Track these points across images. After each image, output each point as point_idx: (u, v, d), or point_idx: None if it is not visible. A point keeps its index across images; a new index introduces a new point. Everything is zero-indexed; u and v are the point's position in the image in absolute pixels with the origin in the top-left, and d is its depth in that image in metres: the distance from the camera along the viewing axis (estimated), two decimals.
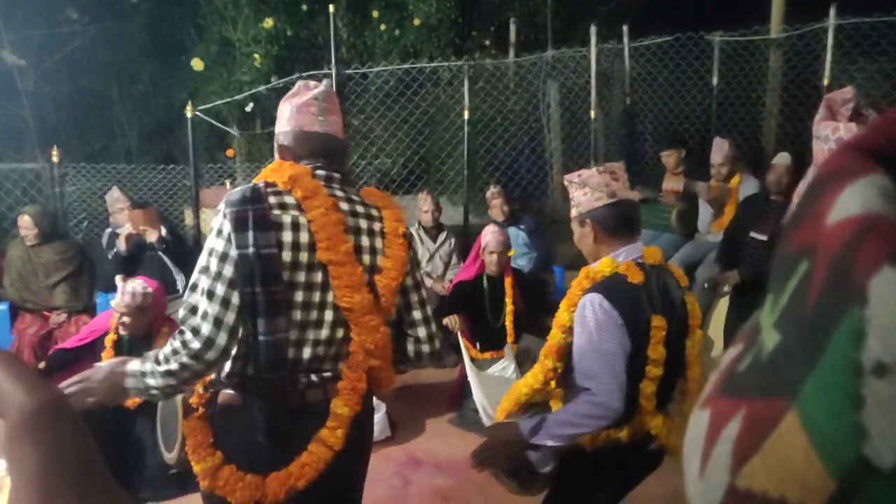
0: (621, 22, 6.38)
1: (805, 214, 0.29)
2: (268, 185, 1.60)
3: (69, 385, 1.58)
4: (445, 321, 3.90)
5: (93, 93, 6.75)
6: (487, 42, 7.62)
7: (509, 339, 3.95)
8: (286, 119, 1.70)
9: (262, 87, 5.99)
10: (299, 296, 1.57)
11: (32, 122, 5.93)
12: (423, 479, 3.37)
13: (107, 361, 1.63)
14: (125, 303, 3.07)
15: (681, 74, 5.90)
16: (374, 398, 3.72)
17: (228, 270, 1.51)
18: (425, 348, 1.79)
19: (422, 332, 1.78)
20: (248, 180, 6.17)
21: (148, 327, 3.13)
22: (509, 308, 3.99)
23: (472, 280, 4.07)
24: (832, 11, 4.68)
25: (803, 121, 5.11)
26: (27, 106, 5.97)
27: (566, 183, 2.14)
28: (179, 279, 4.17)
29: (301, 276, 1.57)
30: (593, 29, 5.93)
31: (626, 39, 6.02)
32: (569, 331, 1.90)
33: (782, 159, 3.85)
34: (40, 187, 4.93)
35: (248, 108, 6.24)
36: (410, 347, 1.79)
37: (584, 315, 1.83)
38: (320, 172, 1.66)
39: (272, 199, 1.56)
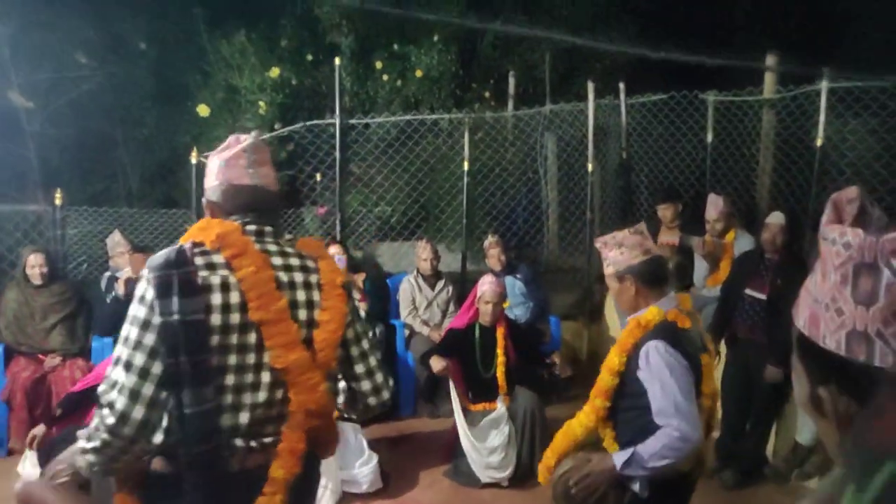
0: (617, 77, 6.53)
1: (890, 406, 0.30)
2: (195, 245, 1.55)
3: (61, 470, 1.53)
4: (432, 363, 3.87)
5: (97, 135, 6.83)
6: (487, 94, 7.79)
7: (501, 390, 3.93)
8: (214, 174, 1.65)
9: (266, 135, 6.10)
10: (232, 359, 1.51)
11: (36, 164, 6.00)
12: None
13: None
14: None
15: (675, 131, 6.02)
16: (367, 448, 3.70)
17: (149, 339, 1.46)
18: (371, 401, 1.76)
19: (366, 385, 1.75)
20: None
21: None
22: (500, 359, 3.98)
23: (465, 328, 4.08)
24: (825, 74, 4.82)
25: (797, 179, 5.20)
26: (32, 147, 6.04)
27: (599, 245, 2.39)
28: None
29: (233, 339, 1.51)
30: (591, 85, 6.09)
31: (622, 96, 6.16)
32: (618, 374, 2.18)
33: (776, 219, 3.91)
34: (41, 230, 4.96)
35: None
36: (357, 401, 1.77)
37: (650, 361, 2.08)
38: (250, 227, 1.62)
39: (199, 261, 1.51)
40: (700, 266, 4.75)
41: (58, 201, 4.83)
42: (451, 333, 4.13)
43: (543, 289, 5.60)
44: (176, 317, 1.45)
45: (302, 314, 1.61)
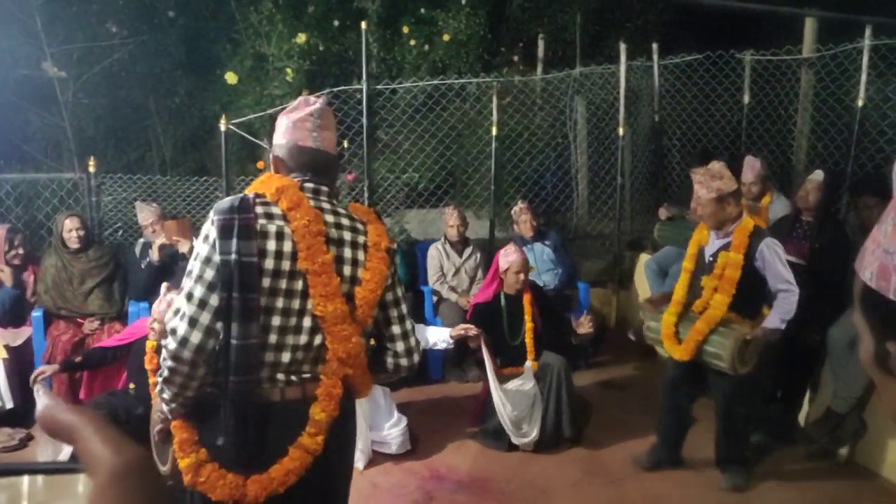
0: (649, 39, 6.36)
1: None
2: (257, 195, 1.69)
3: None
4: (470, 341, 3.82)
5: (130, 105, 6.91)
6: (516, 58, 7.66)
7: (529, 356, 3.93)
8: (282, 132, 1.79)
9: (293, 101, 6.10)
10: (280, 302, 1.65)
11: (71, 133, 6.09)
12: (445, 494, 3.38)
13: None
14: (162, 310, 3.09)
15: (710, 92, 5.86)
16: (396, 411, 3.77)
17: (209, 274, 1.60)
18: (403, 362, 1.86)
19: (400, 346, 1.85)
20: None
21: None
22: (528, 326, 3.97)
23: (490, 301, 4.06)
24: (867, 32, 4.63)
25: (835, 141, 5.04)
26: (66, 117, 6.13)
27: (697, 175, 3.22)
28: None
29: (283, 284, 1.65)
30: (622, 46, 5.94)
31: (655, 57, 6.00)
32: (741, 268, 3.11)
33: (815, 175, 3.81)
34: (77, 197, 5.06)
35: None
36: (389, 360, 1.86)
37: (767, 252, 3.13)
38: (308, 185, 1.75)
39: (259, 209, 1.65)
40: None
41: (92, 169, 4.92)
42: (477, 308, 4.12)
43: (572, 255, 5.56)
44: (233, 256, 1.59)
45: (346, 270, 1.74)
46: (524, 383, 3.80)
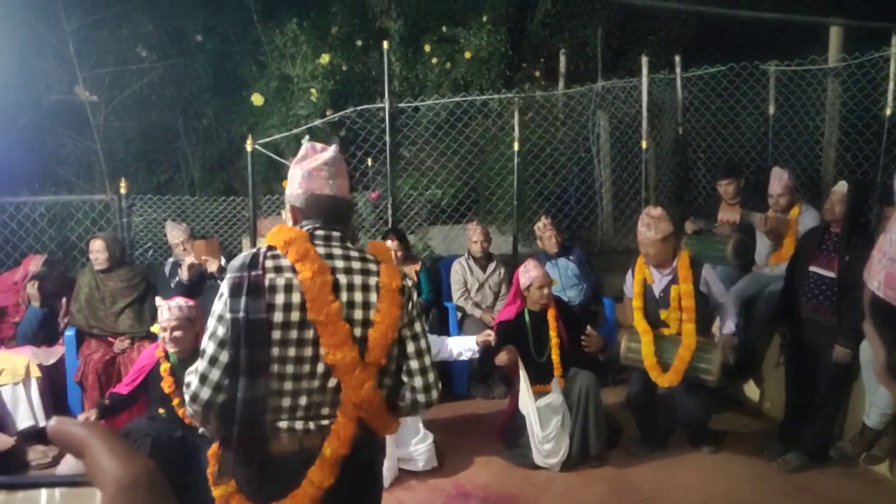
0: (672, 51, 6.34)
1: None
2: (269, 248, 1.75)
3: None
4: (498, 360, 3.84)
5: (159, 127, 7.07)
6: (537, 73, 7.69)
7: (556, 372, 3.90)
8: (297, 183, 1.83)
9: (317, 121, 6.18)
10: (292, 351, 1.70)
11: (102, 155, 6.25)
12: None
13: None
14: (175, 315, 3.12)
15: (735, 104, 5.81)
16: (423, 428, 3.76)
17: (220, 331, 1.69)
18: (420, 398, 1.84)
19: (418, 381, 1.83)
20: None
21: (194, 345, 3.09)
22: (554, 342, 3.94)
23: (514, 318, 4.04)
24: (894, 40, 4.57)
25: (864, 151, 4.96)
26: (98, 139, 6.29)
27: (644, 217, 3.73)
28: None
29: (293, 334, 1.70)
30: (644, 59, 5.93)
31: (678, 69, 5.98)
32: (693, 297, 3.66)
33: (839, 187, 3.76)
34: (109, 218, 5.18)
35: (304, 141, 6.42)
36: (407, 395, 1.85)
37: (708, 276, 3.76)
38: (319, 232, 1.80)
39: (269, 263, 1.72)
40: (762, 243, 4.60)
41: (123, 190, 5.03)
42: (502, 326, 4.11)
43: (596, 270, 5.52)
44: (241, 314, 1.66)
45: (358, 314, 1.76)
46: (553, 400, 3.77)
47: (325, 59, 6.55)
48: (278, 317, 1.68)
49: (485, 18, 7.14)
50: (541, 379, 3.92)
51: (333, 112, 6.23)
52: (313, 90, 6.51)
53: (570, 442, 3.72)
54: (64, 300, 4.55)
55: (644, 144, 5.80)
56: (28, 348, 4.22)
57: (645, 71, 5.88)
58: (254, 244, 5.40)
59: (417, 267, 5.16)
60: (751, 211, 4.57)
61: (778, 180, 4.42)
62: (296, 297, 1.69)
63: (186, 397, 1.73)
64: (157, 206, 5.57)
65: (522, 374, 3.77)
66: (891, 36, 4.60)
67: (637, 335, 3.79)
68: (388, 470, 3.59)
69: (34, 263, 4.42)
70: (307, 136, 6.45)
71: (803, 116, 5.52)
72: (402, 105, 5.77)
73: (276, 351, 1.68)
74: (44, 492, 0.43)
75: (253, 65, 7.11)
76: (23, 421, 3.90)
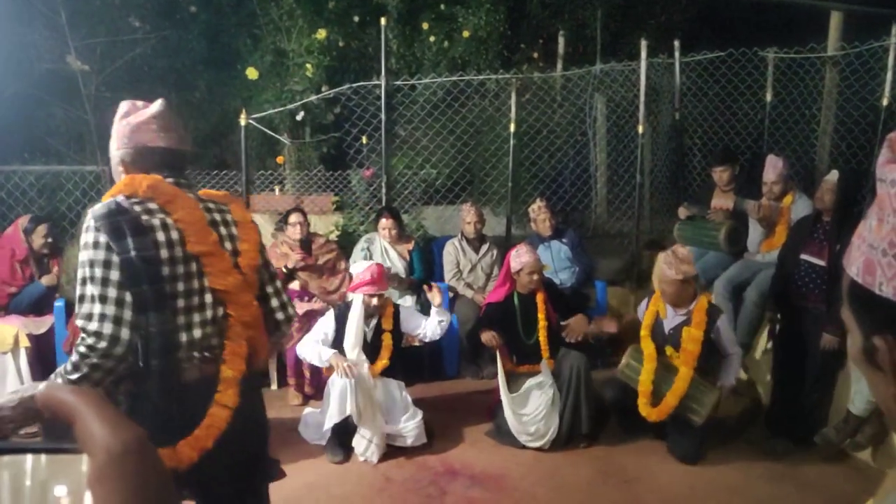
0: (671, 36, 6.30)
1: None
2: (127, 197, 1.77)
3: None
4: (484, 339, 3.88)
5: (152, 98, 6.97)
6: (536, 55, 7.63)
7: (544, 354, 3.91)
8: (127, 136, 1.86)
9: (313, 97, 6.12)
10: (181, 286, 1.78)
11: (94, 126, 6.17)
12: (458, 489, 3.38)
13: (20, 388, 1.76)
14: None
15: (732, 90, 5.79)
16: (412, 405, 3.79)
17: (115, 275, 1.69)
18: (279, 315, 2.05)
19: (275, 302, 2.04)
20: (296, 187, 6.32)
21: None
22: (542, 324, 3.95)
23: (503, 300, 4.05)
24: (894, 29, 4.55)
25: (859, 140, 4.96)
26: (89, 110, 6.21)
27: (667, 256, 3.76)
28: None
29: (180, 269, 1.78)
30: (643, 43, 5.89)
31: (677, 54, 5.95)
32: (701, 343, 3.60)
33: (831, 176, 3.76)
34: (99, 189, 5.12)
35: (299, 117, 6.37)
36: (267, 318, 2.02)
37: (721, 326, 3.72)
38: (169, 180, 1.85)
39: (137, 208, 1.75)
40: (755, 231, 4.61)
41: None
42: (490, 308, 4.11)
43: (589, 254, 5.53)
44: (133, 253, 1.70)
45: (227, 245, 1.90)
46: (541, 382, 3.79)
47: (321, 34, 6.47)
48: (164, 253, 1.74)
49: None
50: (529, 359, 3.95)
51: (329, 88, 6.17)
52: (309, 65, 6.44)
53: (559, 422, 3.75)
54: (56, 269, 4.51)
55: (641, 129, 5.77)
56: (17, 318, 4.20)
57: (644, 55, 5.84)
58: None
59: (410, 246, 5.15)
60: (744, 198, 4.57)
61: (772, 168, 4.42)
62: (174, 234, 1.77)
63: (102, 345, 1.66)
64: None
65: (499, 361, 3.80)
66: (891, 25, 4.58)
67: (641, 356, 3.75)
68: (377, 446, 3.61)
69: (22, 221, 4.38)
70: (302, 112, 6.41)
71: (800, 104, 5.51)
72: (398, 83, 5.72)
73: (166, 287, 1.75)
74: (29, 457, 0.42)
75: (247, 38, 7.02)
76: (10, 390, 3.88)
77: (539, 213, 5.27)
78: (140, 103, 1.91)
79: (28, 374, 3.95)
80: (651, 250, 5.93)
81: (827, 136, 5.30)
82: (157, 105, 1.90)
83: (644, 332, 3.83)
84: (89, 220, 1.72)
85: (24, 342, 4.00)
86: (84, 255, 1.71)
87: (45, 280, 4.29)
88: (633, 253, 5.98)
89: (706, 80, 5.91)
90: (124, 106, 1.91)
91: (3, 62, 5.74)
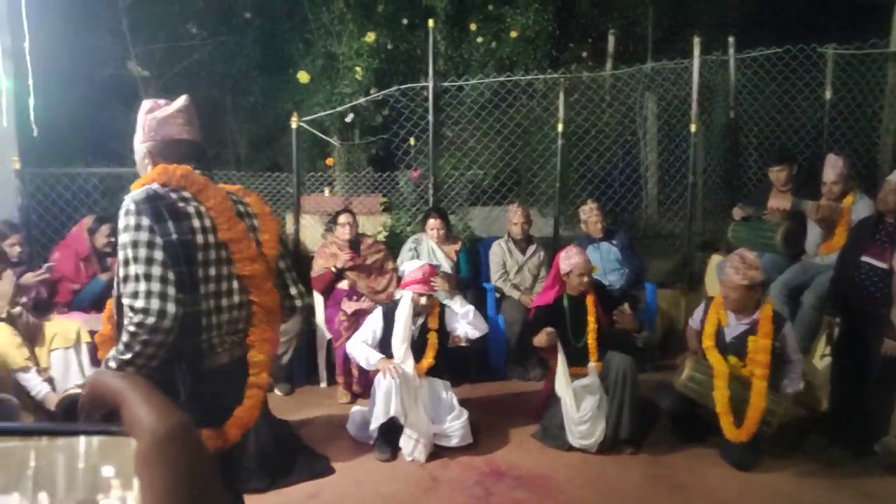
0: (725, 32, 6.15)
1: None
2: (162, 185, 1.87)
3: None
4: (539, 340, 3.85)
5: (208, 103, 7.18)
6: (585, 54, 7.55)
7: (592, 357, 3.87)
8: (154, 130, 1.96)
9: (362, 99, 6.20)
10: (212, 270, 1.87)
11: None
12: (504, 491, 3.37)
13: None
14: None
15: (790, 87, 5.61)
16: (457, 405, 3.79)
17: (158, 255, 1.77)
18: (298, 302, 2.18)
19: (293, 289, 2.17)
20: (345, 188, 6.40)
21: None
22: (591, 327, 3.90)
23: (553, 302, 4.02)
24: None
25: None
26: None
27: (733, 260, 3.59)
28: None
29: (212, 254, 1.87)
30: (696, 40, 5.76)
31: (731, 51, 5.80)
32: (770, 352, 3.50)
33: (893, 177, 3.62)
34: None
35: (349, 119, 6.47)
36: (286, 302, 2.15)
37: (788, 334, 3.63)
38: (197, 172, 1.95)
39: (173, 195, 1.85)
40: (813, 232, 4.46)
41: None
42: (540, 311, 4.09)
43: (639, 255, 5.44)
44: (174, 236, 1.79)
45: (251, 235, 2.00)
46: (589, 384, 3.75)
47: (370, 37, 6.55)
48: (199, 239, 1.84)
49: None
50: (577, 362, 3.91)
51: (378, 90, 6.24)
52: (358, 68, 6.53)
53: (605, 424, 3.70)
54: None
55: (693, 128, 5.65)
56: (79, 314, 4.38)
57: (697, 52, 5.71)
58: (297, 220, 5.48)
59: (457, 246, 5.16)
60: (803, 199, 4.43)
61: (832, 167, 4.28)
62: (207, 222, 1.87)
63: (150, 319, 1.72)
64: None
65: (560, 357, 3.76)
66: None
67: (705, 367, 3.62)
68: (424, 446, 3.63)
69: (87, 221, 4.58)
70: (351, 115, 6.50)
71: (861, 102, 5.31)
72: (446, 84, 5.74)
73: (199, 272, 1.84)
74: (82, 440, 0.44)
75: (300, 42, 7.15)
76: (73, 383, 4.06)
77: (590, 215, 5.22)
78: (162, 101, 2.02)
79: (89, 368, 4.11)
80: (705, 252, 5.80)
81: (889, 135, 5.08)
82: (181, 100, 2.00)
83: (708, 343, 3.69)
84: (129, 205, 1.80)
85: (86, 337, 4.16)
86: (127, 237, 1.78)
87: (105, 277, 4.46)
88: (684, 254, 5.85)
89: (762, 78, 5.74)
90: (148, 103, 2.01)
91: (68, 68, 6.00)
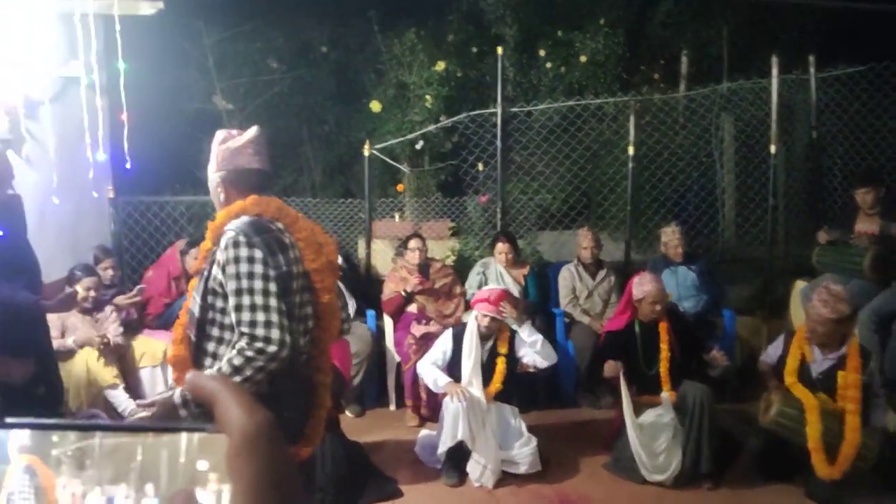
0: (805, 50, 5.93)
1: None
2: (257, 216, 1.97)
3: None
4: (606, 372, 3.78)
5: (286, 133, 7.50)
6: (656, 76, 7.44)
7: (665, 386, 3.75)
8: (227, 160, 2.04)
9: (431, 127, 6.32)
10: (297, 298, 1.98)
11: None
12: None
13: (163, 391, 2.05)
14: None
15: (875, 106, 5.35)
16: (526, 431, 3.75)
17: (273, 287, 1.87)
18: (345, 326, 2.35)
19: (343, 314, 2.28)
20: (415, 213, 6.52)
21: None
22: (664, 355, 3.79)
23: (624, 328, 3.93)
24: None
25: None
26: None
27: (822, 294, 3.45)
28: (351, 303, 4.46)
29: (300, 283, 1.98)
30: (774, 59, 5.59)
31: (812, 69, 5.59)
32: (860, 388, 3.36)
33: None
34: None
35: (419, 146, 6.59)
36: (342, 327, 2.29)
37: (875, 368, 3.51)
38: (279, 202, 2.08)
39: (272, 227, 1.97)
40: None
41: None
42: (610, 337, 4.02)
43: (718, 282, 5.27)
44: (284, 268, 1.91)
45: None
46: (662, 415, 3.64)
47: (440, 65, 6.68)
48: (295, 269, 1.95)
49: (602, 21, 7.01)
50: (649, 390, 3.81)
51: (447, 118, 6.35)
52: (428, 96, 6.66)
53: (682, 457, 3.57)
54: None
55: (773, 149, 5.45)
56: (166, 334, 4.61)
57: (775, 71, 5.53)
58: (369, 245, 5.61)
59: (526, 271, 5.15)
60: (891, 222, 4.20)
61: None
62: (297, 252, 1.98)
63: (272, 348, 1.83)
64: None
65: (624, 389, 3.66)
66: None
67: (794, 402, 3.47)
68: (491, 472, 3.61)
69: (180, 244, 4.86)
70: (421, 142, 6.63)
71: None
72: (514, 110, 5.79)
73: (293, 300, 1.95)
74: (184, 436, 0.49)
75: (372, 73, 7.38)
76: None
77: (672, 238, 5.11)
78: (235, 131, 2.11)
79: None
80: (786, 277, 5.55)
81: None
82: (252, 131, 2.08)
83: (791, 379, 3.55)
84: (239, 237, 1.88)
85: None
86: (240, 268, 1.87)
87: None
88: (765, 279, 5.62)
89: (845, 97, 5.50)
90: (221, 134, 2.10)
91: (160, 103, 6.41)
